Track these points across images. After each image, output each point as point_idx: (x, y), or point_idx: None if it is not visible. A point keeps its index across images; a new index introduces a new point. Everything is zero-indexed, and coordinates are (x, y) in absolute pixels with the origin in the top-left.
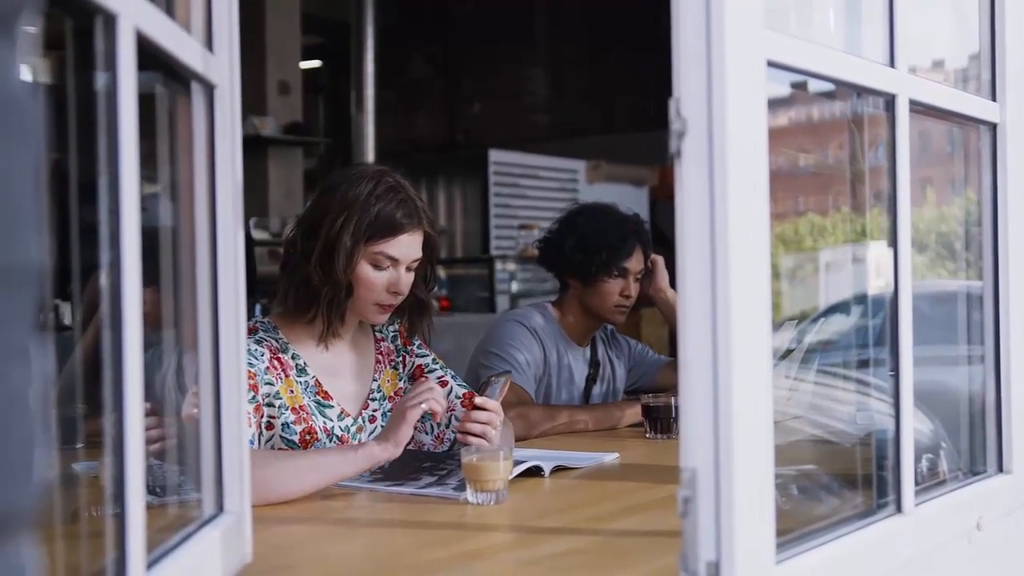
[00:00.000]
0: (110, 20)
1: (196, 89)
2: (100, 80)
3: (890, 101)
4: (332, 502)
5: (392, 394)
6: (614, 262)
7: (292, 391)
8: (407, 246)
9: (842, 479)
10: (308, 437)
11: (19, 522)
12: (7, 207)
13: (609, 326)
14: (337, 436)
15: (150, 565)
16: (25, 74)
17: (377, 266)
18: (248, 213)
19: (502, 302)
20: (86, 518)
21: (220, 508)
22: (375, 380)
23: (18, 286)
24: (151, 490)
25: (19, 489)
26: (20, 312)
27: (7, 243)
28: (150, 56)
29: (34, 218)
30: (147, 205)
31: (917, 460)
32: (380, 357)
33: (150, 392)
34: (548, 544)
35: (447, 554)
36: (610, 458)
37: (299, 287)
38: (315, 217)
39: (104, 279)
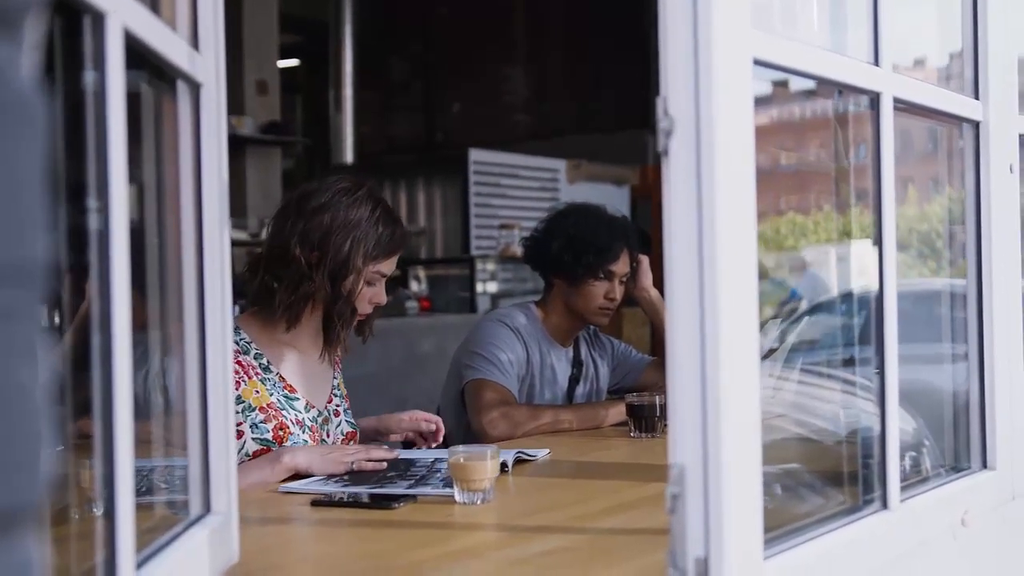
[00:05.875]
0: (98, 18)
1: (182, 88)
2: (88, 78)
3: (875, 99)
4: (317, 504)
5: (345, 394)
6: (601, 265)
7: (258, 391)
8: (395, 262)
9: (827, 476)
10: (281, 433)
11: (26, 518)
12: (17, 205)
13: (592, 326)
14: (308, 427)
15: (139, 565)
16: (30, 73)
17: (369, 283)
18: None
19: (483, 302)
20: (70, 520)
21: (207, 508)
22: (335, 378)
23: (27, 283)
24: (137, 491)
25: (26, 485)
26: (29, 309)
27: (18, 240)
28: (136, 54)
29: (42, 216)
30: (131, 205)
31: (901, 458)
32: (337, 359)
33: (133, 392)
34: (536, 543)
35: (435, 553)
36: (542, 454)
37: (302, 301)
38: (314, 234)
39: (91, 280)
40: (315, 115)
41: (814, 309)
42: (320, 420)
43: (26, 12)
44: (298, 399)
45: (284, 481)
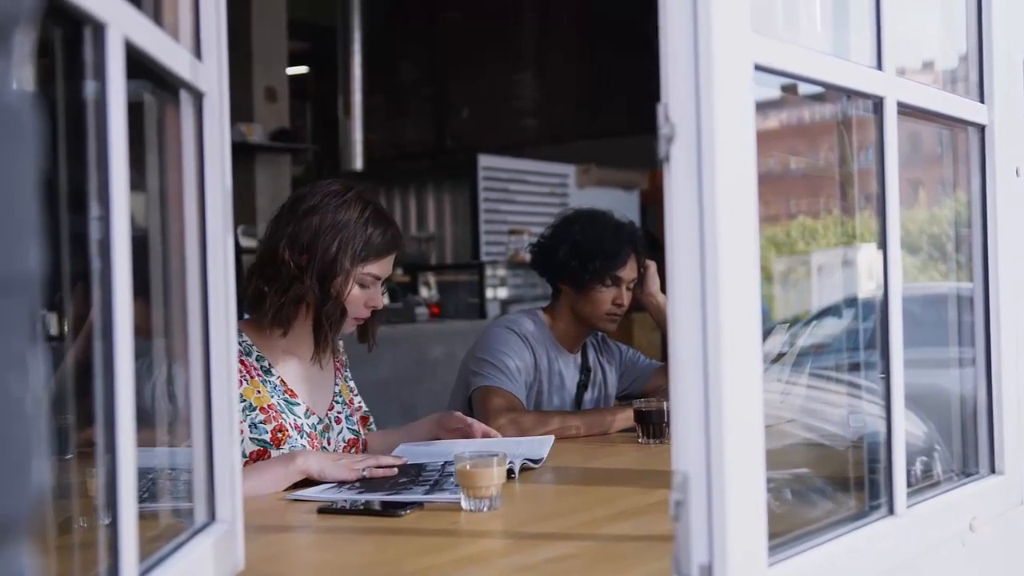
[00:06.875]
0: (99, 29)
1: (185, 97)
2: (89, 89)
3: (878, 103)
4: (324, 512)
5: (348, 400)
6: (608, 271)
7: (259, 392)
8: (389, 265)
9: (835, 482)
10: (280, 435)
11: (18, 529)
12: (7, 216)
13: (600, 332)
14: (307, 433)
15: (143, 574)
16: (22, 84)
17: (362, 285)
18: (235, 221)
19: (492, 308)
20: (77, 529)
21: (212, 517)
22: (336, 385)
23: (17, 294)
24: (141, 498)
25: (17, 496)
26: (19, 320)
27: (7, 252)
28: (138, 64)
29: (33, 227)
30: (135, 214)
31: (911, 463)
32: (338, 365)
33: (140, 402)
34: (542, 550)
35: (441, 561)
36: (547, 445)
37: (292, 304)
38: (303, 236)
39: (93, 289)
40: (324, 122)
41: (823, 313)
42: (320, 427)
43: (16, 24)
44: (299, 404)
45: (296, 488)
